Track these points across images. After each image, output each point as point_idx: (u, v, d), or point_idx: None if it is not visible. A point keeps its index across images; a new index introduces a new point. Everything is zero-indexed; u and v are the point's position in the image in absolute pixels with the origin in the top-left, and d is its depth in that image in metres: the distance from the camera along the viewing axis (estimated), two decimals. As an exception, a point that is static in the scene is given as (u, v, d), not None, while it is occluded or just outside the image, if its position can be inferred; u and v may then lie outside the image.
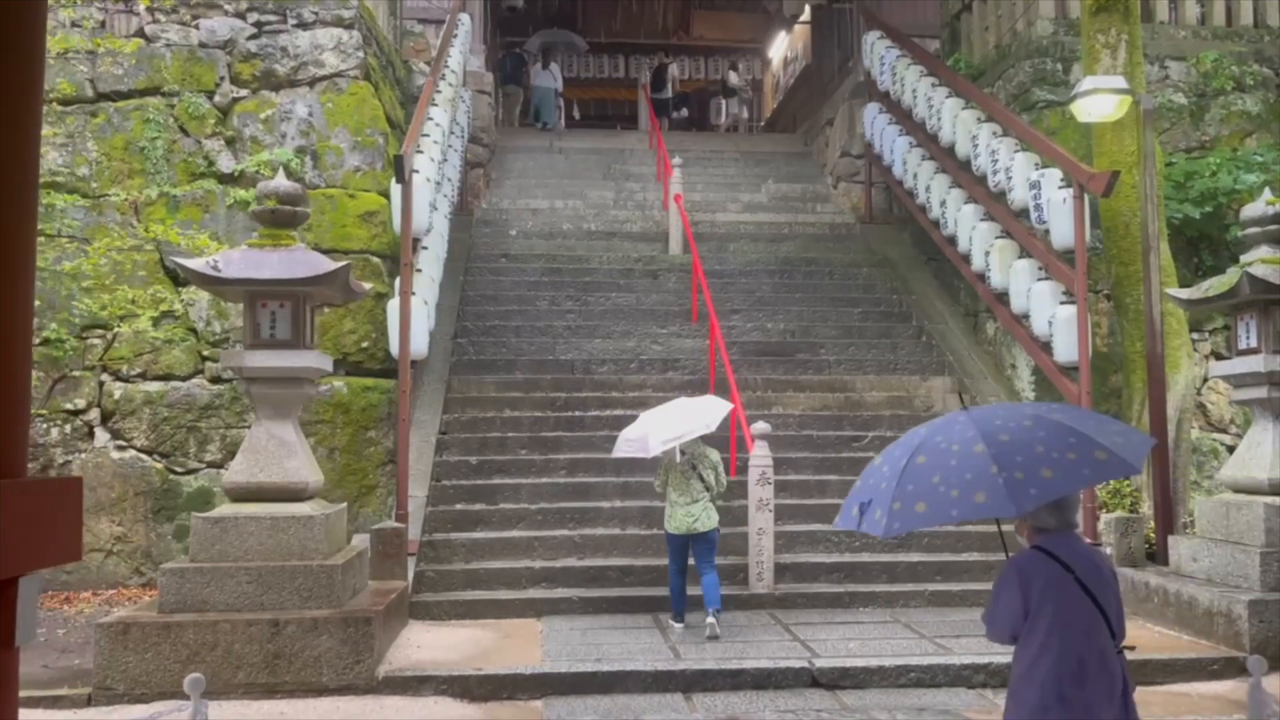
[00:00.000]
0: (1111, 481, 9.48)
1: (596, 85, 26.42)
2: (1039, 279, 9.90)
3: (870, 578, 8.76)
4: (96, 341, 9.72)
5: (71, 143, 10.30)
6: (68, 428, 9.73)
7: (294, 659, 6.38)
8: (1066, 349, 9.29)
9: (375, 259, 10.35)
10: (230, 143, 10.57)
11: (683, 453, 7.67)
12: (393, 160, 8.72)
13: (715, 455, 7.82)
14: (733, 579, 8.67)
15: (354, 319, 10.19)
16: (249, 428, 7.37)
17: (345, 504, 7.82)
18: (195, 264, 6.78)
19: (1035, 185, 9.83)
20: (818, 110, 18.02)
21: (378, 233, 10.39)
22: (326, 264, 6.92)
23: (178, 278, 9.33)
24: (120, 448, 9.78)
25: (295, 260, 6.91)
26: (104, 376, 9.84)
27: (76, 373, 9.19)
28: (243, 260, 6.90)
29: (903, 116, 13.57)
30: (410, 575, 8.32)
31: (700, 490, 7.58)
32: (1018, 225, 10.45)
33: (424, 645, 7.32)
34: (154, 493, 9.73)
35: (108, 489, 9.69)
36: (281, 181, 7.24)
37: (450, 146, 12.28)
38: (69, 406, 9.74)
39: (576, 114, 24.03)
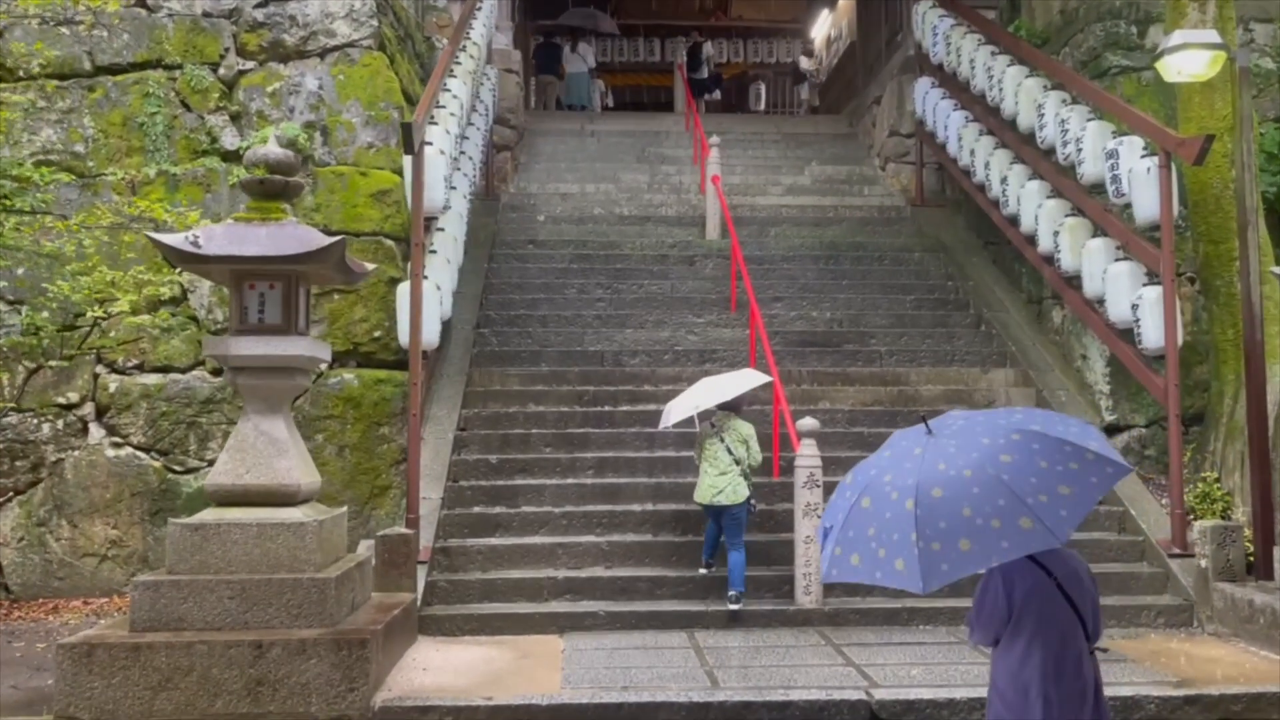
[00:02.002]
0: (1200, 484, 8.52)
1: (631, 70, 25.56)
2: (1117, 259, 8.93)
3: (930, 592, 7.84)
4: (91, 330, 9.03)
5: (66, 119, 9.64)
6: (60, 423, 9.07)
7: (279, 686, 5.61)
8: (1152, 336, 8.33)
9: (389, 241, 9.59)
10: (235, 118, 9.86)
11: (712, 425, 7.73)
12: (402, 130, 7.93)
13: (746, 429, 7.72)
14: (777, 591, 7.83)
15: (365, 306, 9.44)
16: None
17: (345, 508, 7.06)
18: (173, 240, 6.03)
19: (1112, 155, 8.86)
20: (864, 89, 17.08)
21: (391, 213, 9.63)
22: (319, 239, 6.15)
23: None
24: (116, 445, 9.10)
25: (284, 235, 6.14)
26: (99, 368, 9.17)
27: (54, 363, 8.50)
28: (226, 235, 6.14)
29: (958, 90, 12.62)
30: (420, 586, 7.55)
31: (728, 462, 7.52)
32: (1091, 201, 9.48)
33: (431, 667, 6.53)
34: (151, 493, 9.04)
35: (102, 489, 9.01)
36: (272, 148, 6.48)
37: (471, 124, 11.52)
38: (60, 400, 9.08)
39: (610, 101, 23.23)
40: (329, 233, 9.33)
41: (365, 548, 7.56)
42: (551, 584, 7.84)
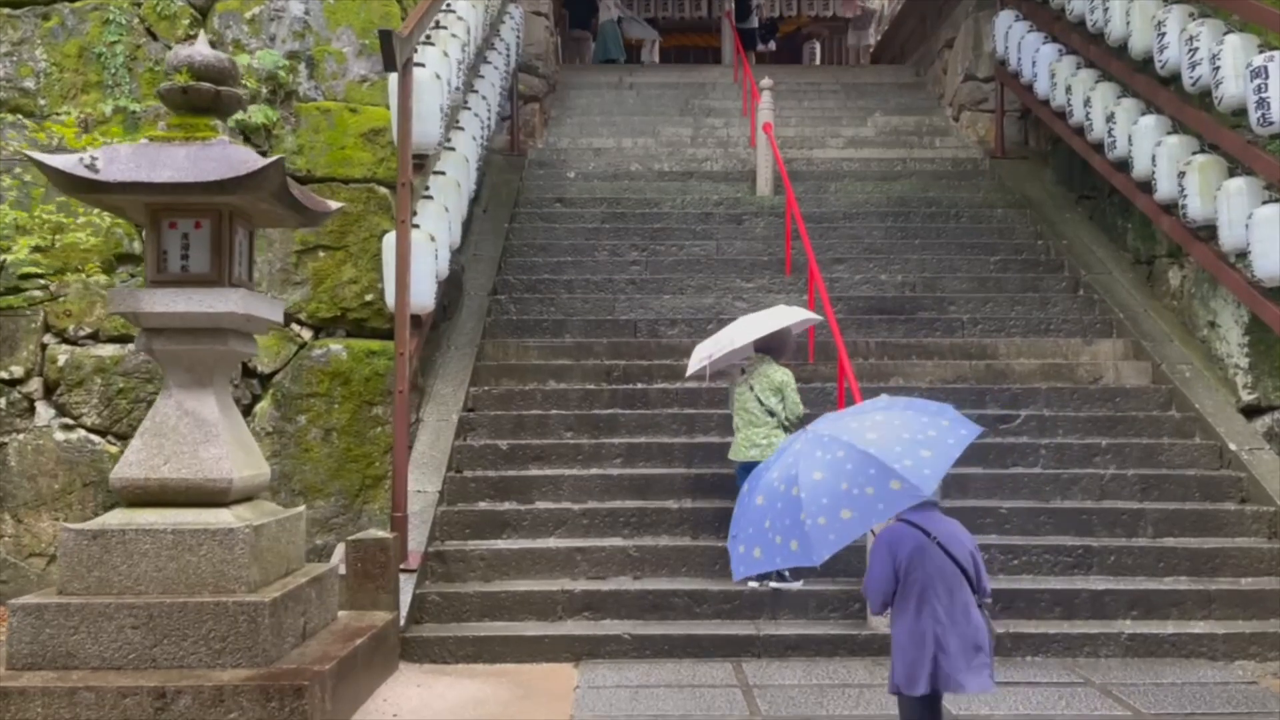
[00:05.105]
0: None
1: (675, 29, 23.93)
2: (1265, 201, 7.26)
3: (1038, 612, 6.32)
4: (37, 293, 7.74)
5: (16, 51, 8.34)
6: (2, 401, 7.81)
7: (188, 748, 4.25)
8: (1316, 295, 6.67)
9: (382, 189, 8.18)
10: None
11: (743, 371, 6.80)
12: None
13: (779, 375, 6.66)
14: (844, 611, 6.33)
15: (355, 265, 8.05)
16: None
17: (301, 509, 5.65)
18: (61, 162, 4.66)
19: (1259, 74, 7.16)
20: (933, 33, 15.34)
21: (385, 156, 8.20)
22: (250, 160, 4.73)
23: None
24: (66, 426, 7.83)
25: (207, 157, 4.74)
26: (46, 337, 7.89)
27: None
28: (134, 157, 4.76)
29: (1049, 19, 10.93)
30: (407, 601, 6.17)
31: (763, 415, 6.54)
32: (1229, 133, 7.79)
33: (405, 710, 5.14)
34: (106, 482, 7.68)
35: (50, 478, 7.75)
36: (200, 48, 5.08)
37: (487, 61, 10.07)
38: (2, 375, 7.81)
39: (656, 57, 21.66)
40: (312, 179, 8.03)
41: (339, 555, 6.21)
42: (567, 599, 6.42)
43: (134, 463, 4.84)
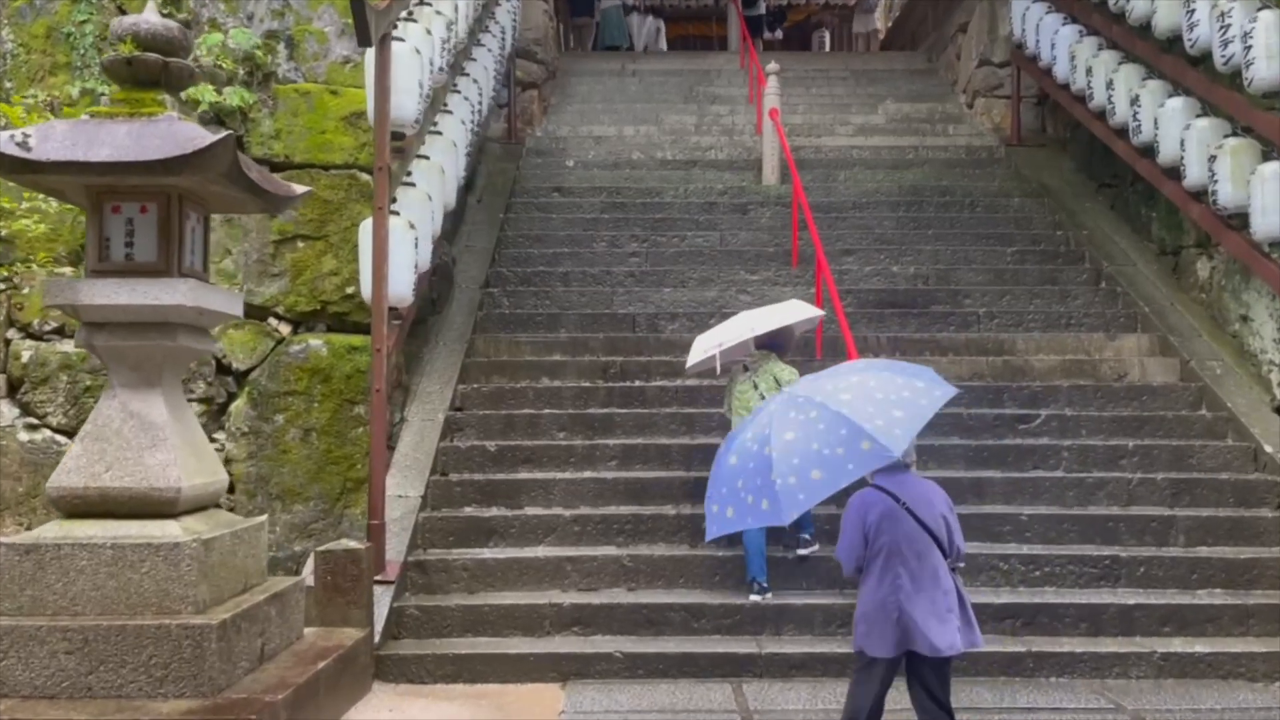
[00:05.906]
0: None
1: (681, 19, 23.46)
2: (1305, 187, 6.79)
3: (1062, 628, 5.86)
4: (-1, 286, 7.36)
5: (-18, 32, 7.96)
6: (-37, 400, 7.43)
7: (121, 789, 3.83)
8: (1363, 286, 6.19)
9: (364, 175, 7.75)
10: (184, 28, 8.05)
11: (745, 367, 6.39)
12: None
13: (786, 374, 6.23)
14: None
15: (336, 256, 7.63)
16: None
17: (262, 518, 5.21)
18: (-9, 140, 4.23)
19: (1299, 50, 6.70)
20: (946, 18, 14.85)
21: (368, 141, 7.76)
22: (197, 137, 4.29)
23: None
24: (31, 426, 7.43)
25: (151, 134, 4.30)
26: (10, 332, 7.49)
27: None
28: (71, 135, 4.32)
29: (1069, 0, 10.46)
30: (384, 615, 5.75)
31: None
32: (1265, 116, 7.30)
33: (372, 740, 4.72)
34: (73, 487, 7.34)
35: (13, 481, 7.35)
36: (147, 15, 4.65)
37: (480, 43, 9.63)
38: (-37, 372, 7.44)
39: (664, 44, 21.17)
40: (290, 165, 7.60)
41: (310, 567, 5.78)
42: (555, 613, 5.98)
43: (73, 470, 4.41)
